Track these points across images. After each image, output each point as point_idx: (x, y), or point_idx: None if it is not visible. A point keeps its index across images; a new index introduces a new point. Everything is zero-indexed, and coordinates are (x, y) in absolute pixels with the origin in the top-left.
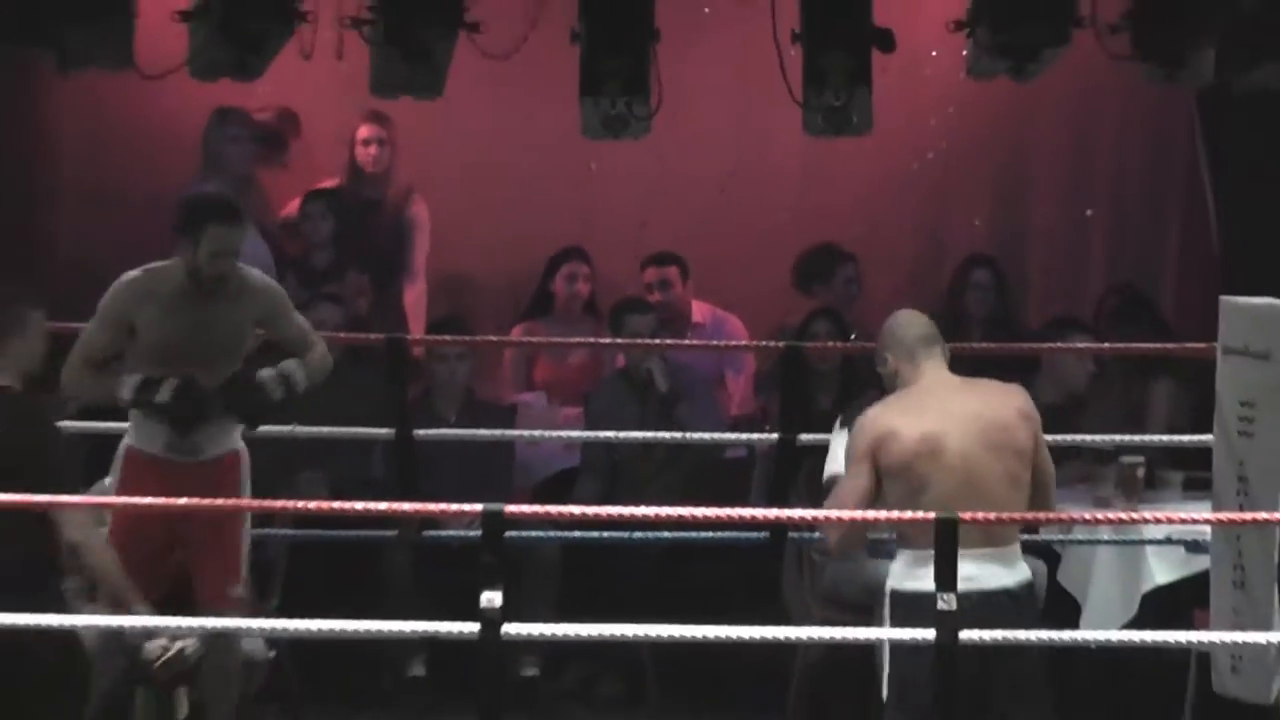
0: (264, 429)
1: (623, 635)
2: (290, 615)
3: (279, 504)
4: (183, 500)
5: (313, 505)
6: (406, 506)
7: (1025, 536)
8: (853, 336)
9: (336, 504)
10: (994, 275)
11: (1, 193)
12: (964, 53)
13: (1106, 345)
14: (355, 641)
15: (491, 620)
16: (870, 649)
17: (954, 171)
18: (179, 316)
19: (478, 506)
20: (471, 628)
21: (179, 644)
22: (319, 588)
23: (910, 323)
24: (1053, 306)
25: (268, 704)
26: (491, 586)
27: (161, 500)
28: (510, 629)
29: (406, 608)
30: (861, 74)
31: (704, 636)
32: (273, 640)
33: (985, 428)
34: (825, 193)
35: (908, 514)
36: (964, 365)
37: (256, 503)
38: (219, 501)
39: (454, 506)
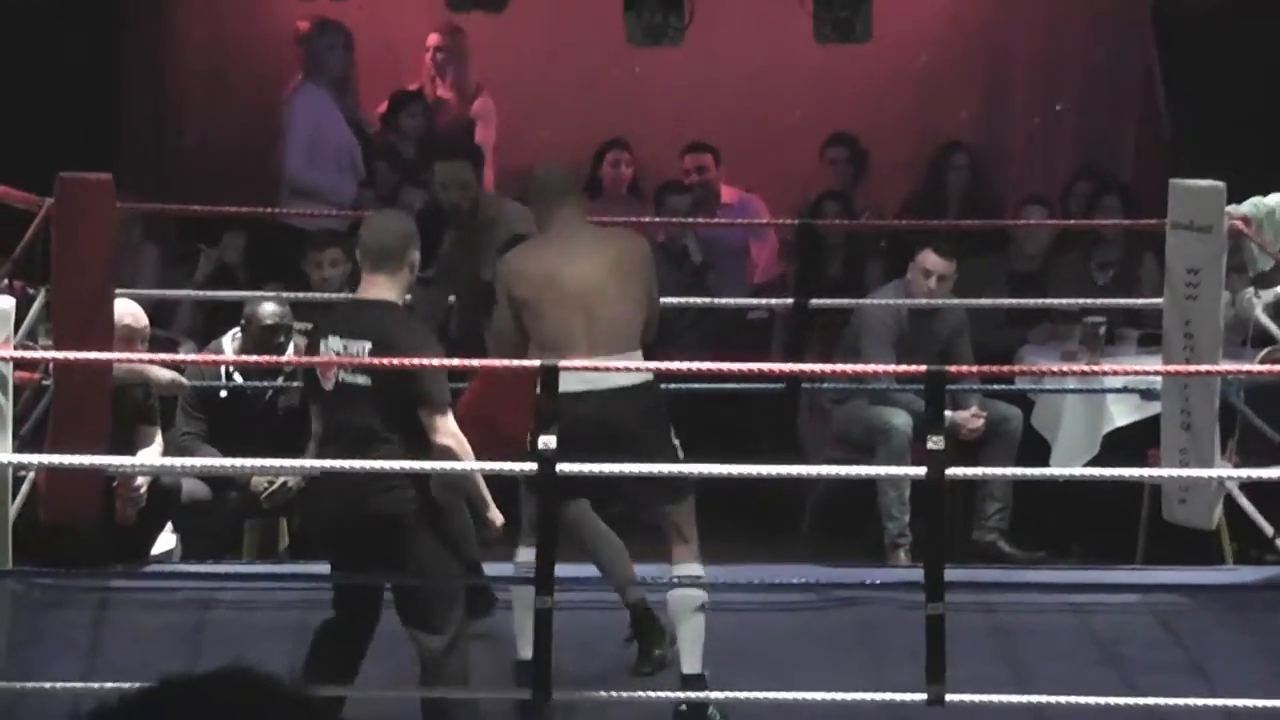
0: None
1: (662, 472)
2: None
3: (368, 361)
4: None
5: (397, 361)
6: (476, 362)
7: (999, 387)
8: (865, 215)
9: (417, 360)
10: (968, 158)
11: (140, 89)
12: None
13: (1072, 222)
14: None
15: (548, 460)
16: (872, 482)
17: (944, 72)
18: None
19: (536, 362)
20: (529, 467)
21: (282, 479)
22: None
23: (548, 177)
24: (1028, 187)
25: None
26: (547, 430)
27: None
28: (565, 467)
29: None
30: None
31: (733, 473)
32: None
33: (603, 259)
34: (835, 91)
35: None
36: (944, 237)
37: (353, 360)
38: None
39: (515, 362)
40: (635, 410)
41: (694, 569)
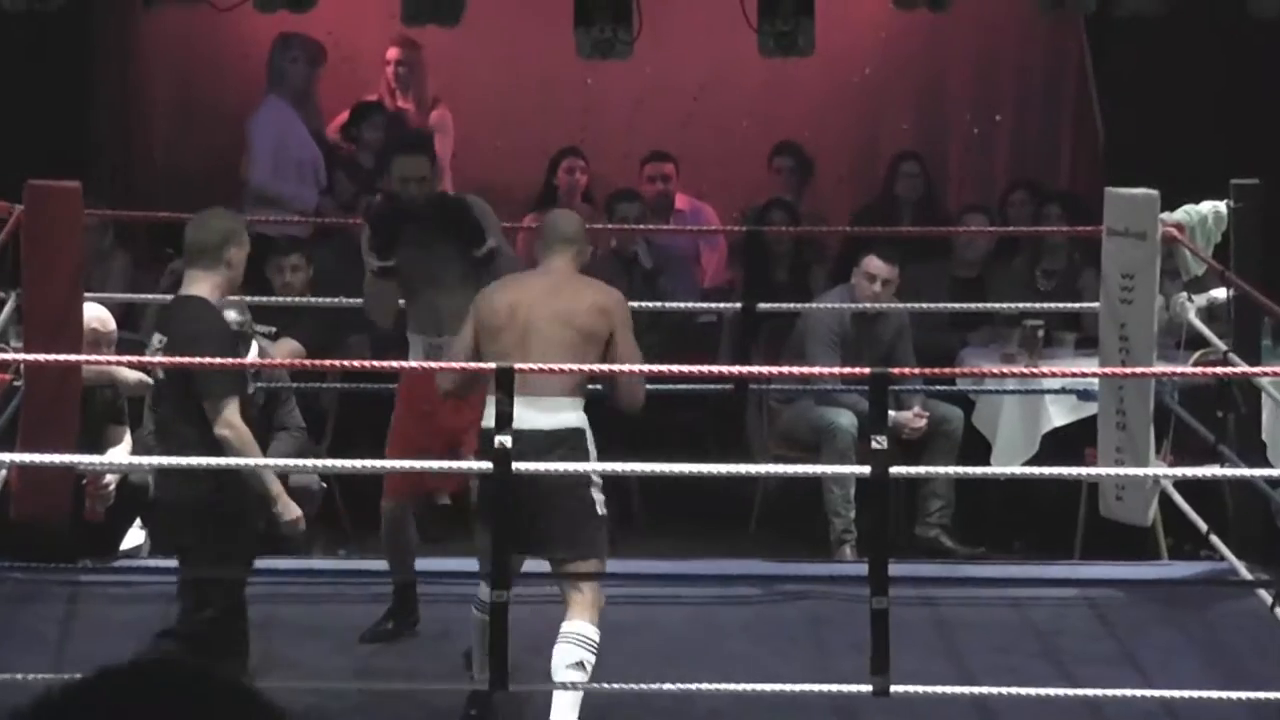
0: (319, 300)
1: (614, 471)
2: (339, 455)
3: (329, 363)
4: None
5: (357, 363)
6: (434, 365)
7: (941, 388)
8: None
9: (376, 363)
10: (920, 167)
11: (110, 102)
12: None
13: (1011, 229)
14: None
15: (503, 458)
16: (817, 480)
17: (886, 85)
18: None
19: (491, 365)
20: (485, 466)
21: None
22: (363, 432)
23: (554, 222)
24: (967, 195)
25: (320, 528)
26: (502, 430)
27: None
28: (520, 466)
29: None
30: (805, 5)
31: (682, 472)
32: (324, 476)
33: (556, 307)
34: (781, 103)
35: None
36: (888, 243)
37: (315, 363)
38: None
39: (472, 365)
40: (552, 458)
41: (584, 628)
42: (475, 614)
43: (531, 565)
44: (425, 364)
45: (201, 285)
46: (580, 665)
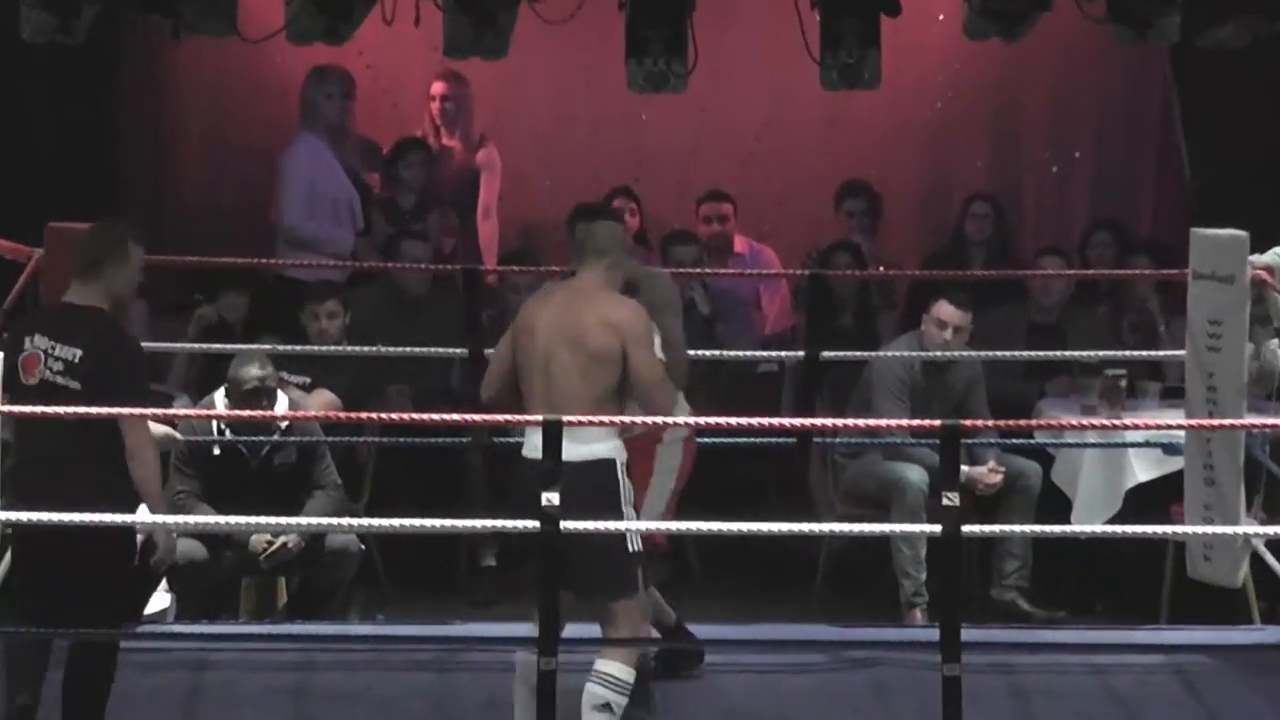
0: (357, 348)
1: (670, 529)
2: (378, 513)
3: (368, 415)
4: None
5: (397, 416)
6: (478, 416)
7: (1017, 441)
8: (881, 268)
9: (418, 414)
10: (992, 207)
11: (134, 143)
12: (962, 17)
13: (1092, 271)
14: (434, 536)
15: (551, 517)
16: (885, 539)
17: (957, 119)
18: None
19: (540, 417)
20: (533, 524)
21: (282, 538)
22: (402, 489)
23: (590, 234)
24: (1043, 237)
25: (358, 590)
26: (550, 487)
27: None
28: (568, 524)
29: (478, 506)
30: (871, 35)
31: (742, 530)
32: (362, 536)
33: (566, 328)
34: (847, 139)
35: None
36: (960, 288)
37: (352, 415)
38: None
39: (520, 416)
40: (580, 490)
41: (614, 669)
42: (517, 686)
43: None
44: (470, 415)
45: (93, 295)
46: (607, 707)
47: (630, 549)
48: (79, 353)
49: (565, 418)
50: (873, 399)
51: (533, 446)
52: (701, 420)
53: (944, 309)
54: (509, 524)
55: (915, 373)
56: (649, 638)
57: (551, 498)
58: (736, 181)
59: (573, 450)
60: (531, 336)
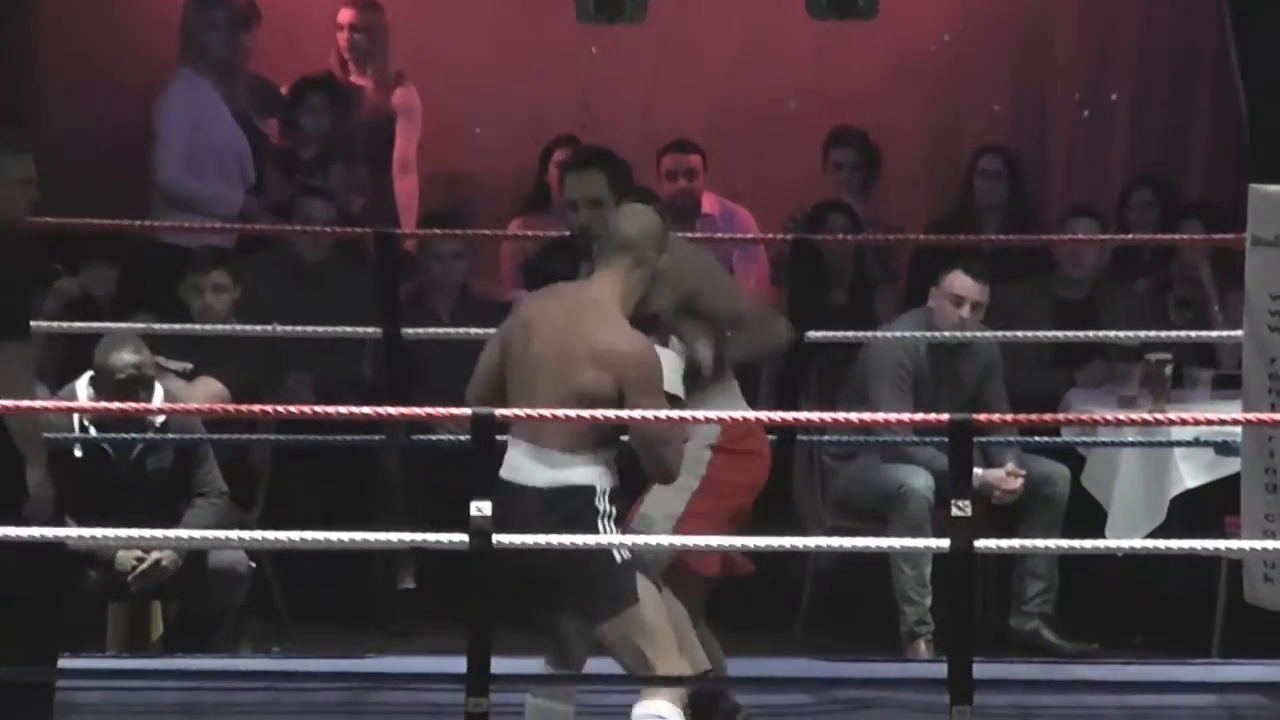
0: (248, 327)
1: (619, 544)
2: (273, 525)
3: (261, 409)
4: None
5: (297, 409)
6: (393, 410)
7: (1041, 439)
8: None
9: (321, 407)
10: (1004, 161)
11: (4, 76)
12: None
13: (1131, 236)
14: (341, 553)
15: (482, 530)
16: (884, 557)
17: (971, 55)
18: None
19: (467, 410)
20: (460, 538)
21: (155, 555)
22: (303, 496)
23: (616, 221)
24: (1073, 195)
25: (250, 618)
26: (481, 495)
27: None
28: (503, 539)
29: (395, 517)
30: None
31: (712, 545)
32: (254, 553)
33: (560, 350)
34: (837, 79)
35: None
36: (976, 256)
37: (243, 408)
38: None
39: (443, 410)
40: (549, 519)
41: (656, 707)
42: None
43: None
44: (385, 409)
45: None
46: None
47: (617, 559)
48: None
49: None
50: (869, 389)
51: (511, 468)
52: (662, 413)
53: (959, 281)
54: (431, 538)
55: (921, 358)
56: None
57: (482, 507)
58: (705, 129)
59: (546, 475)
60: (524, 347)
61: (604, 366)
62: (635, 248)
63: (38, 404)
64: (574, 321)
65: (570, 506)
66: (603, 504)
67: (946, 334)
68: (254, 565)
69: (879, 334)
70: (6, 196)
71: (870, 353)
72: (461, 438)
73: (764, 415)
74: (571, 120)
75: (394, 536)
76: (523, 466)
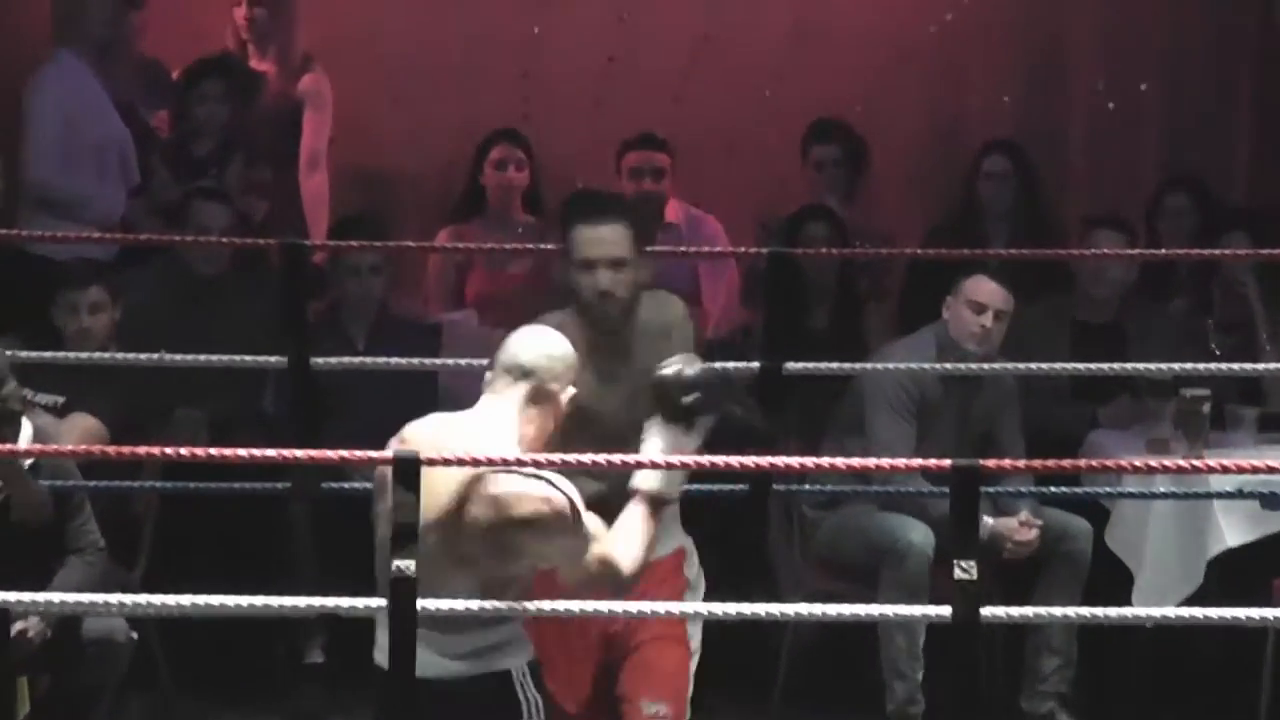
0: (130, 355)
1: (565, 611)
2: (159, 588)
3: (145, 450)
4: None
5: (187, 451)
6: (301, 453)
7: (1055, 489)
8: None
9: (216, 450)
10: (1014, 162)
11: None
12: None
13: (1164, 250)
14: (238, 620)
15: (405, 593)
16: (871, 624)
17: (974, 36)
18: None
19: (389, 453)
20: (378, 603)
21: (20, 625)
22: (194, 553)
23: (512, 343)
24: (1096, 202)
25: (131, 696)
26: (405, 553)
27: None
28: (428, 604)
29: (302, 578)
30: None
31: (672, 612)
32: (135, 620)
33: (432, 495)
34: (819, 63)
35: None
36: (982, 270)
37: (123, 450)
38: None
39: (360, 453)
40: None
41: None
42: None
43: None
44: (291, 451)
45: None
46: None
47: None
48: None
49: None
50: (866, 418)
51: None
52: (616, 458)
53: (981, 286)
54: (344, 603)
55: (928, 383)
56: None
57: (407, 566)
58: (665, 121)
59: (439, 666)
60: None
61: (485, 507)
62: (534, 375)
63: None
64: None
65: (488, 701)
66: (526, 694)
67: (948, 366)
68: (136, 635)
69: (873, 365)
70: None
71: (868, 378)
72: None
73: (734, 460)
74: (511, 111)
75: (300, 601)
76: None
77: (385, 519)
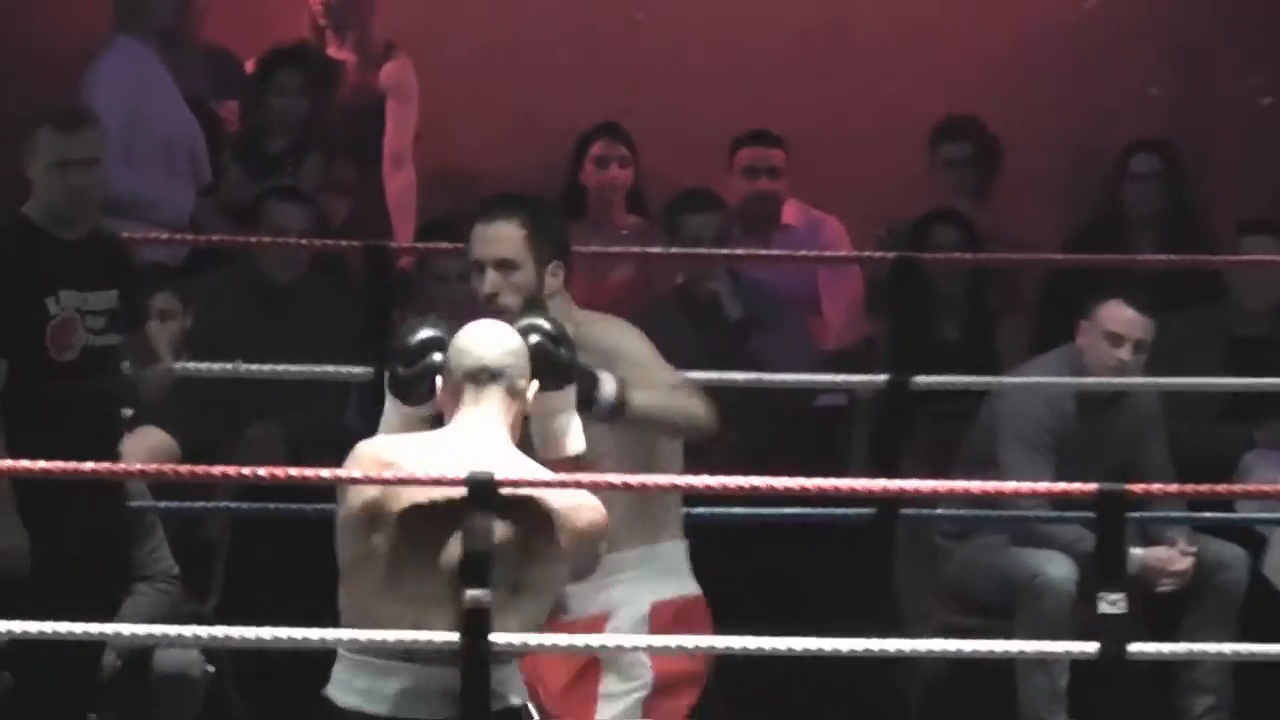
0: (201, 365)
1: (674, 648)
2: (235, 619)
3: (220, 470)
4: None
5: (265, 471)
6: (389, 472)
7: (1213, 515)
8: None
9: (296, 470)
10: (1163, 162)
11: None
12: None
13: None
14: (320, 653)
15: (478, 625)
16: (1008, 662)
17: (1119, 24)
18: None
19: (462, 473)
20: (451, 637)
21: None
22: (272, 580)
23: (465, 339)
24: (1250, 205)
25: None
26: (478, 582)
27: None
28: (500, 638)
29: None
30: None
31: (792, 649)
32: (211, 652)
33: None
34: (948, 54)
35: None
36: (1123, 279)
37: (197, 469)
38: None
39: (437, 475)
40: None
41: None
42: None
43: None
44: (380, 476)
45: None
46: None
47: None
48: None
49: None
50: (999, 451)
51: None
52: (728, 481)
53: (1119, 313)
54: (424, 636)
55: (1066, 412)
56: None
57: (480, 597)
58: (779, 115)
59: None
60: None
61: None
62: (507, 375)
63: None
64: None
65: None
66: None
67: (1089, 381)
68: (211, 669)
69: (1010, 379)
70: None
71: (999, 404)
72: None
73: (858, 483)
74: (613, 104)
75: (385, 635)
76: None
77: (349, 532)
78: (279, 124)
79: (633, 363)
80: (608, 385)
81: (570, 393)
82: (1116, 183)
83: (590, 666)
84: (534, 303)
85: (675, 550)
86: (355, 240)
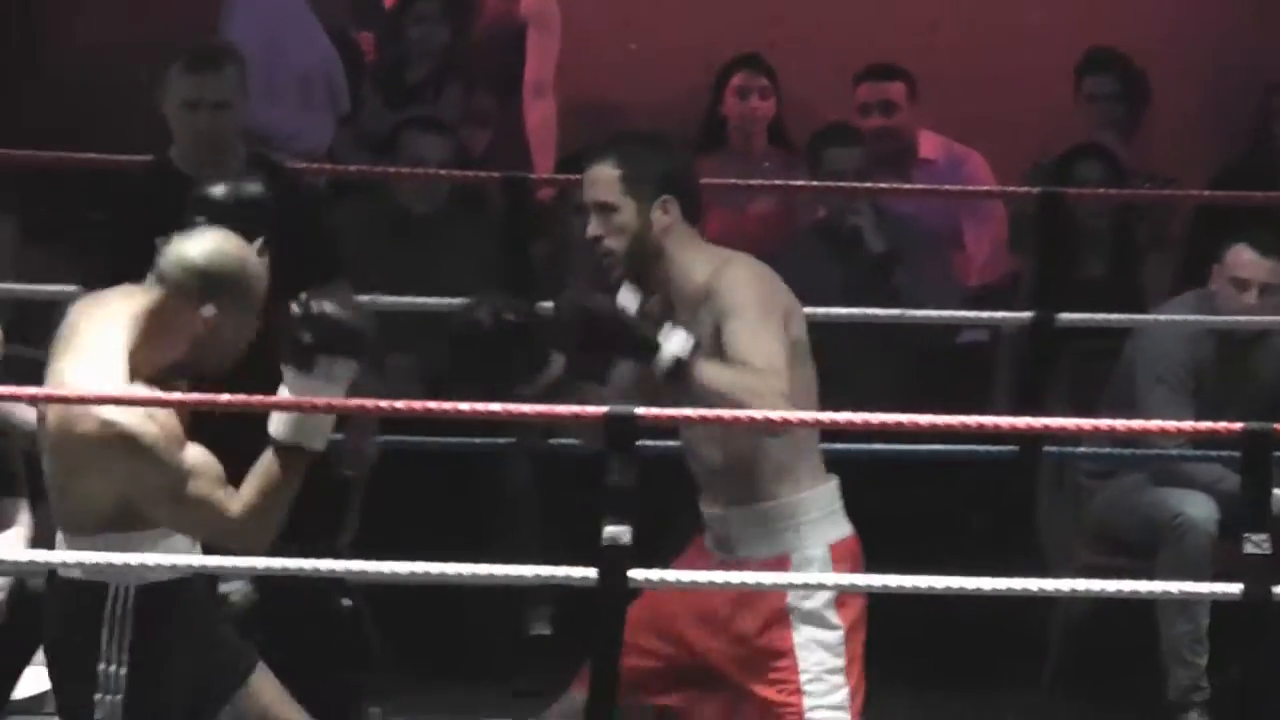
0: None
1: (803, 585)
2: (370, 554)
3: (357, 403)
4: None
5: (401, 404)
6: (527, 407)
7: None
8: (1145, 185)
9: (433, 403)
10: None
11: None
12: None
13: None
14: (457, 589)
15: (614, 562)
16: (1149, 604)
17: None
18: None
19: (602, 409)
20: (588, 573)
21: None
22: (408, 517)
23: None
24: None
25: (338, 671)
26: (617, 517)
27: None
28: (638, 575)
29: (526, 545)
30: None
31: (934, 587)
32: (346, 586)
33: None
34: None
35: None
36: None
37: (329, 402)
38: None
39: (583, 408)
40: None
41: None
42: None
43: None
44: (515, 406)
45: None
46: None
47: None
48: None
49: None
50: (1140, 395)
51: None
52: (873, 417)
53: (1242, 257)
54: (559, 571)
55: (1205, 352)
56: None
57: (618, 534)
58: (922, 48)
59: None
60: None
61: None
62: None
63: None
64: None
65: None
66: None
67: (1227, 319)
68: (348, 604)
69: (1151, 317)
70: None
71: (1139, 344)
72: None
73: (1000, 420)
74: (756, 34)
75: (526, 570)
76: None
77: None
78: (418, 53)
79: (722, 310)
80: (674, 343)
81: (318, 383)
82: (1264, 117)
83: (778, 618)
84: (638, 245)
85: (834, 490)
86: (494, 171)
